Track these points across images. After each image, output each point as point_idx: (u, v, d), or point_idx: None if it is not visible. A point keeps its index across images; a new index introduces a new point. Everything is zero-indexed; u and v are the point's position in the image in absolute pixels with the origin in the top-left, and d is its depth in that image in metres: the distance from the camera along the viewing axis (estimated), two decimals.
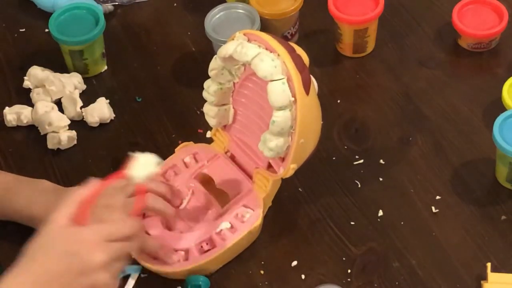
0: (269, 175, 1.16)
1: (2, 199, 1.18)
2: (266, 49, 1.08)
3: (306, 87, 1.08)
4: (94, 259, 0.95)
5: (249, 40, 1.10)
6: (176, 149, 1.24)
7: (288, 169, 1.13)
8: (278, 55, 1.07)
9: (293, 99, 1.07)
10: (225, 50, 1.09)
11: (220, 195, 1.19)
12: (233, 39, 1.11)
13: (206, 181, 1.20)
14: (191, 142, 1.24)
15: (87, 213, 0.99)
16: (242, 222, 1.15)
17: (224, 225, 1.15)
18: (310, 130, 1.12)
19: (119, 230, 1.00)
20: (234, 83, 1.17)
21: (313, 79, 1.21)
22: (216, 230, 1.15)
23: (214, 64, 1.13)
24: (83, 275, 0.95)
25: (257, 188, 1.17)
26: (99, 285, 0.96)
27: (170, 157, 1.23)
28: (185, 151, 1.23)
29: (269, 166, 1.16)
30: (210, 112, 1.19)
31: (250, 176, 1.19)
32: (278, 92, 1.06)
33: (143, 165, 1.03)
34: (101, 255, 0.96)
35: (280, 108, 1.07)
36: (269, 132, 1.09)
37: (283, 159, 1.13)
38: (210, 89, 1.16)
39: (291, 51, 1.08)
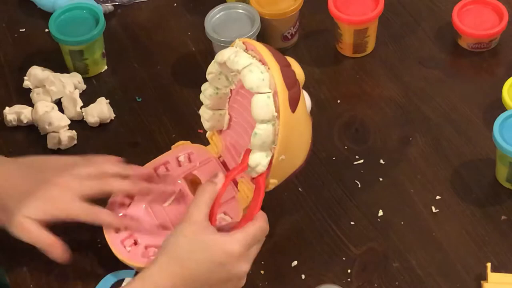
0: (252, 186, 1.14)
1: None
2: (260, 61, 1.07)
3: (293, 104, 1.07)
4: (240, 270, 1.04)
5: (246, 49, 1.09)
6: (172, 146, 1.23)
7: (267, 183, 1.11)
8: (269, 68, 1.06)
9: (276, 114, 1.06)
10: (221, 56, 1.09)
11: None
12: (232, 46, 1.11)
13: (194, 183, 1.20)
14: (188, 142, 1.24)
15: (216, 212, 1.08)
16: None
17: None
18: (293, 148, 1.10)
19: (257, 236, 1.06)
20: (231, 89, 1.16)
21: (307, 96, 1.21)
22: None
23: (212, 68, 1.13)
24: (228, 282, 1.04)
25: (240, 197, 1.16)
26: (239, 285, 1.07)
27: (166, 153, 1.23)
28: (181, 150, 1.23)
29: (253, 177, 1.15)
30: (204, 114, 1.18)
31: (236, 184, 1.17)
32: (262, 105, 1.05)
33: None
34: (246, 266, 1.05)
35: (262, 122, 1.06)
36: (252, 145, 1.08)
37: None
38: (206, 92, 1.16)
39: (285, 66, 1.07)
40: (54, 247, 1.11)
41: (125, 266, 1.16)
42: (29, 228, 1.10)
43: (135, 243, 1.15)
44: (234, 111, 1.18)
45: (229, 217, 1.15)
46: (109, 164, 1.16)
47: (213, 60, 1.12)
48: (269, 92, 1.05)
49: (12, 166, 1.15)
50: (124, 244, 1.15)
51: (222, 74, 1.13)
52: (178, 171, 1.21)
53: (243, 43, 1.10)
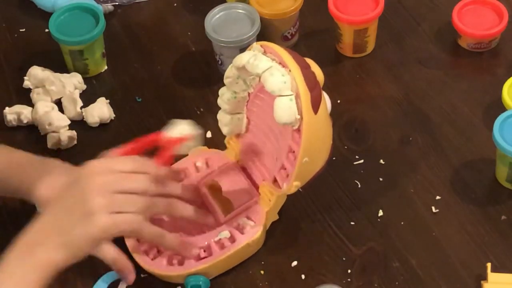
0: (274, 189, 1.14)
1: (12, 174, 1.16)
2: (279, 63, 1.06)
3: (315, 106, 1.06)
4: (94, 180, 0.98)
5: (265, 52, 1.08)
6: (189, 152, 1.23)
7: (291, 186, 1.11)
8: (290, 70, 1.05)
9: (299, 117, 1.05)
10: (240, 60, 1.08)
11: (225, 203, 1.17)
12: (250, 49, 1.10)
13: (214, 188, 1.19)
14: (205, 147, 1.23)
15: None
16: (242, 233, 1.14)
17: (224, 234, 1.14)
18: (315, 150, 1.10)
19: (126, 164, 1.02)
20: (249, 93, 1.16)
21: (327, 97, 1.20)
22: (215, 239, 1.14)
23: (229, 73, 1.12)
24: (77, 205, 0.98)
25: (262, 201, 1.16)
26: (90, 225, 0.98)
27: (183, 159, 1.22)
28: (198, 155, 1.22)
29: (275, 180, 1.14)
30: (223, 119, 1.18)
31: (257, 188, 1.17)
32: (285, 108, 1.04)
33: (179, 129, 1.11)
34: (101, 199, 0.98)
35: (285, 125, 1.06)
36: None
37: (288, 175, 1.12)
38: (224, 96, 1.15)
39: (305, 68, 1.06)
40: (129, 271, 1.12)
41: None
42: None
43: (158, 252, 1.15)
44: (252, 115, 1.17)
45: (252, 222, 1.15)
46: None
47: (231, 65, 1.11)
48: (291, 95, 1.04)
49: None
50: (147, 254, 1.15)
51: (240, 78, 1.12)
52: (197, 177, 1.20)
53: (261, 46, 1.09)
